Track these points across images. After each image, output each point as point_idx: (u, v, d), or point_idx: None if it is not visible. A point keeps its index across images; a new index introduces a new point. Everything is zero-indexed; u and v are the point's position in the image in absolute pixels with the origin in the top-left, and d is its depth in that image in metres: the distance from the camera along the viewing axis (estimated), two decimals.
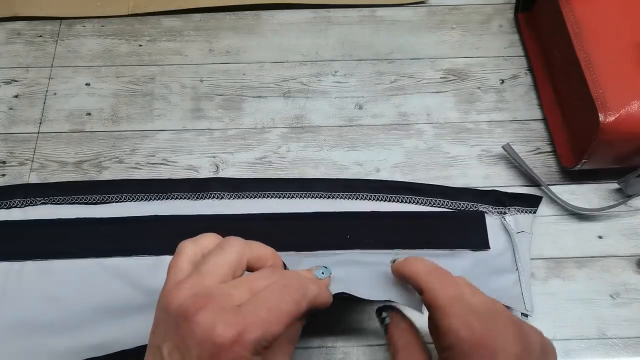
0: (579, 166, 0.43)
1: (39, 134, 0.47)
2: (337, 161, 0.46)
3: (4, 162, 0.46)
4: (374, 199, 0.44)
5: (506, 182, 0.45)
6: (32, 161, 0.46)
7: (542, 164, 0.46)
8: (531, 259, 0.42)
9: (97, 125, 0.48)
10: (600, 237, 0.43)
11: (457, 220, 0.43)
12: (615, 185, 0.45)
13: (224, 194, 0.44)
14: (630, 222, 0.44)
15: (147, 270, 0.40)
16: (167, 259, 0.40)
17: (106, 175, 0.45)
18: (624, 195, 0.44)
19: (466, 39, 0.52)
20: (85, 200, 0.43)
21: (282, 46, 0.52)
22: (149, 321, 0.39)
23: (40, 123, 0.48)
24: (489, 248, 0.42)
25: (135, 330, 0.38)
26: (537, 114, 0.48)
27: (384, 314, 0.32)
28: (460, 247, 0.42)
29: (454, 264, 0.41)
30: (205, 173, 0.45)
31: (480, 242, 0.42)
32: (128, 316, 0.39)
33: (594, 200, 0.45)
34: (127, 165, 0.46)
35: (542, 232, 0.43)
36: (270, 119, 0.48)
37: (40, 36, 0.52)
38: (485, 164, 0.46)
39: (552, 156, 0.46)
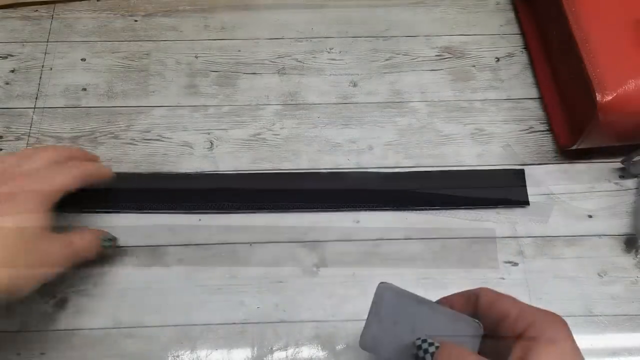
0: (576, 145, 0.43)
1: (35, 109, 0.48)
2: (330, 139, 0.46)
3: (1, 137, 0.46)
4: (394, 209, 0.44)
5: (499, 160, 0.45)
6: (29, 136, 0.46)
7: (534, 142, 0.46)
8: (520, 237, 0.42)
9: (92, 100, 0.48)
10: (590, 217, 0.43)
11: (497, 178, 0.44)
12: (608, 165, 0.45)
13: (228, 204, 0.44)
14: (620, 201, 0.44)
15: None
16: None
17: (101, 150, 0.46)
18: (622, 173, 0.44)
19: (462, 17, 0.52)
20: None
21: (277, 22, 0.52)
22: None
23: (36, 98, 0.48)
24: (529, 204, 0.43)
25: None
26: (532, 92, 0.48)
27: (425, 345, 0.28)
28: (500, 204, 0.43)
29: None
30: (200, 149, 0.46)
31: (520, 198, 0.43)
32: None
33: (585, 178, 0.45)
34: (122, 141, 0.46)
35: (532, 211, 0.43)
36: (265, 95, 0.48)
37: (36, 10, 0.52)
38: (478, 143, 0.46)
39: (545, 135, 0.46)
